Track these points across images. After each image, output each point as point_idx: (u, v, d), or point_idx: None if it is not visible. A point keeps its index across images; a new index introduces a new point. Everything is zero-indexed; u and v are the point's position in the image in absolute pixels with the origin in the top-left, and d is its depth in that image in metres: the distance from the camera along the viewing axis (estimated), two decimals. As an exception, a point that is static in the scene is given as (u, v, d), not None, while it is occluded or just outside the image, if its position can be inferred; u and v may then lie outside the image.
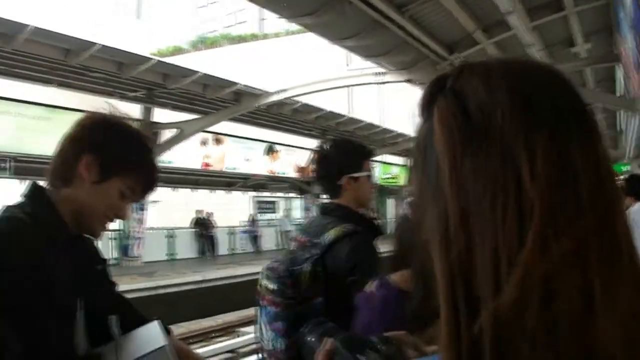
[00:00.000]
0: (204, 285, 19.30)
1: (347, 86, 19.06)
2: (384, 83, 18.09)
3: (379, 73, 17.74)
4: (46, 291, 1.64)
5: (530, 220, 0.62)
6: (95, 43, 15.29)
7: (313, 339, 1.38)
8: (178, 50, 63.97)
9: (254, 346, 12.06)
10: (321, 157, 3.06)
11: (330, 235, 2.79)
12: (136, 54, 16.75)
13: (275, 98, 19.39)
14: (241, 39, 62.84)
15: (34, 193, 1.90)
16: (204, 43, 65.39)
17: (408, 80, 17.24)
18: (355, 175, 3.00)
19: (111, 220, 1.97)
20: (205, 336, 15.68)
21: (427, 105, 0.74)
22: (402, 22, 13.71)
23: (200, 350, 13.34)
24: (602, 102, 18.25)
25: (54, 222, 1.83)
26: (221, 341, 14.13)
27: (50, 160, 1.89)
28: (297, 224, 32.46)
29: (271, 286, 2.74)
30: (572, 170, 0.64)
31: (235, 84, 19.06)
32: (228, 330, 16.07)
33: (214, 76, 18.72)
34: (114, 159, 1.92)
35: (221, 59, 56.53)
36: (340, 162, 3.01)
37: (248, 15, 72.66)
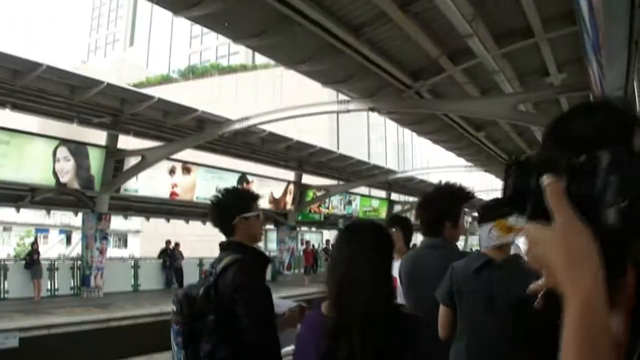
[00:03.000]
0: (161, 318, 18.55)
1: (310, 114, 18.45)
2: (347, 112, 17.51)
3: (342, 101, 17.18)
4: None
5: None
6: (42, 64, 14.75)
7: None
8: (167, 80, 63.98)
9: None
10: (218, 204, 3.69)
11: (222, 263, 3.37)
12: (86, 77, 16.22)
13: (238, 126, 18.76)
14: (231, 70, 62.79)
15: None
16: (193, 73, 65.26)
17: (372, 109, 16.66)
18: (246, 215, 3.63)
19: None
20: (157, 372, 14.97)
21: None
22: (358, 47, 13.19)
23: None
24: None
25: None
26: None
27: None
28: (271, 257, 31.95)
29: (174, 307, 3.41)
30: None
31: (195, 110, 18.58)
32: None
33: (172, 102, 18.29)
34: None
35: (209, 90, 56.51)
36: (234, 206, 3.66)
37: (241, 47, 72.78)
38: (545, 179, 0.96)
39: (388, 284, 2.52)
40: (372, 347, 2.27)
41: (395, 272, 5.29)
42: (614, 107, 1.16)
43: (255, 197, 3.85)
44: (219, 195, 3.71)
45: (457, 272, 3.69)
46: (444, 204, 4.20)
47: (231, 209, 3.63)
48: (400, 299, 4.74)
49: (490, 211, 3.65)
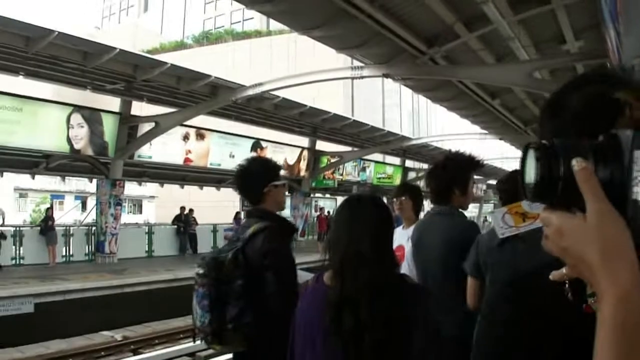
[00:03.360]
0: (175, 284, 18.67)
1: (324, 80, 18.36)
2: (361, 78, 17.38)
3: (356, 67, 17.05)
4: None
5: None
6: (54, 31, 14.66)
7: None
8: (181, 46, 63.71)
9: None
10: (247, 172, 3.82)
11: (250, 230, 3.50)
12: (98, 43, 16.13)
13: (251, 92, 18.68)
14: (245, 36, 62.35)
15: None
16: (207, 39, 64.90)
17: (386, 75, 16.51)
18: (276, 183, 3.79)
19: None
20: (171, 337, 15.05)
21: None
22: (372, 12, 13.01)
23: (156, 353, 12.80)
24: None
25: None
26: (185, 343, 13.47)
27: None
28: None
29: (200, 271, 3.43)
30: None
31: (208, 76, 18.45)
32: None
33: (185, 68, 18.15)
34: None
35: (224, 55, 56.27)
36: (264, 173, 3.80)
37: (255, 13, 72.22)
38: (577, 164, 0.90)
39: (390, 256, 2.54)
40: (378, 319, 2.27)
41: (404, 239, 5.33)
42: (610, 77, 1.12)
43: (280, 167, 4.10)
44: (246, 164, 3.85)
45: (482, 245, 3.69)
46: (452, 172, 4.19)
47: (262, 177, 3.76)
48: (408, 266, 4.76)
49: (512, 196, 3.59)
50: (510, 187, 3.73)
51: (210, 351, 11.18)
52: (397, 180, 35.07)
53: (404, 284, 2.48)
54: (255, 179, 3.76)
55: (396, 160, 38.59)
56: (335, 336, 2.37)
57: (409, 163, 38.98)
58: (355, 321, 2.32)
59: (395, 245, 5.63)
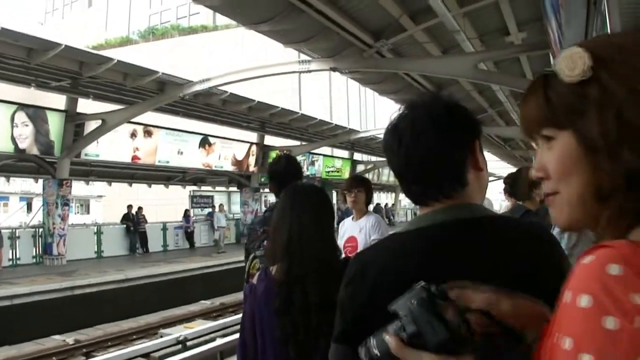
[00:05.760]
0: (125, 284, 18.50)
1: (271, 75, 18.32)
2: (308, 72, 17.39)
3: (304, 61, 17.05)
4: None
5: None
6: (-7, 26, 14.33)
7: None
8: (127, 41, 62.95)
9: (172, 348, 11.41)
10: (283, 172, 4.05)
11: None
12: (43, 39, 15.78)
13: (198, 87, 18.59)
14: (192, 31, 61.87)
15: None
16: (153, 34, 64.20)
17: (334, 69, 16.55)
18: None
19: None
20: (124, 338, 14.91)
21: None
22: (319, 6, 13.01)
23: (109, 355, 12.62)
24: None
25: None
26: (139, 343, 13.30)
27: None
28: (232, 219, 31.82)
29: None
30: None
31: (155, 72, 18.26)
32: (149, 332, 15.26)
33: (132, 64, 17.95)
34: None
35: (171, 51, 55.77)
36: (298, 171, 4.18)
37: (201, 7, 71.58)
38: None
39: (331, 238, 2.67)
40: (325, 298, 2.34)
41: (355, 230, 5.42)
42: None
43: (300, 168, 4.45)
44: (279, 163, 4.21)
45: None
46: None
47: (297, 174, 4.11)
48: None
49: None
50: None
51: (165, 350, 11.18)
52: (346, 174, 35.18)
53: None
54: (291, 176, 3.98)
55: (345, 154, 38.74)
56: (285, 317, 2.46)
57: (357, 156, 39.18)
58: (304, 300, 2.45)
59: (347, 237, 5.74)
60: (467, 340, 1.03)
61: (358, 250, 4.93)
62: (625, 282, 0.78)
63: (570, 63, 0.91)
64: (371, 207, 34.66)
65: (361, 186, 5.67)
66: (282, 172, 4.09)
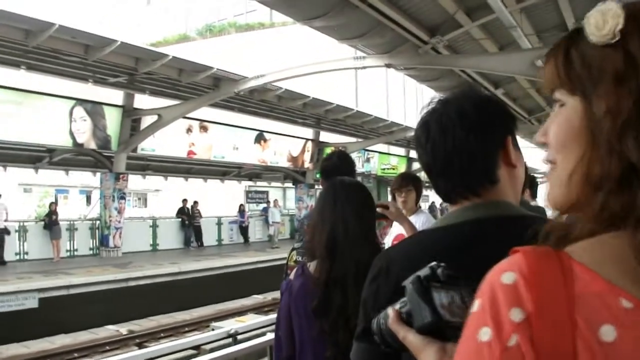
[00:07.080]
0: (179, 277, 18.67)
1: (326, 71, 18.31)
2: (363, 68, 17.32)
3: (358, 57, 16.99)
4: None
5: None
6: (54, 23, 14.54)
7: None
8: (184, 38, 63.54)
9: (223, 341, 11.46)
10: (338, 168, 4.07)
11: None
12: (99, 36, 15.94)
13: (254, 83, 18.66)
14: (249, 28, 62.18)
15: None
16: (211, 32, 64.72)
17: (389, 65, 16.43)
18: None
19: None
20: (177, 330, 15.06)
21: None
22: (374, 2, 12.93)
23: (161, 346, 12.73)
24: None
25: None
26: (191, 336, 13.42)
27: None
28: (287, 215, 31.87)
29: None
30: None
31: (210, 68, 18.31)
32: (201, 324, 15.39)
33: (187, 60, 18.04)
34: None
35: (227, 48, 56.15)
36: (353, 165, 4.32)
37: (258, 4, 71.81)
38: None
39: (374, 237, 2.62)
40: None
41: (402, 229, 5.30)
42: None
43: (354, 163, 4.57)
44: (330, 159, 4.31)
45: None
46: None
47: (348, 171, 4.04)
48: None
49: None
50: None
51: (216, 343, 11.21)
52: (402, 171, 34.91)
53: None
54: (346, 173, 3.88)
55: (401, 151, 38.44)
56: (323, 316, 2.42)
57: (413, 154, 38.85)
58: (344, 301, 2.39)
59: (395, 235, 5.63)
60: (454, 325, 0.99)
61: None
62: (511, 294, 0.72)
63: (600, 20, 0.80)
64: (425, 206, 34.36)
65: (411, 185, 5.56)
66: (333, 169, 4.04)
